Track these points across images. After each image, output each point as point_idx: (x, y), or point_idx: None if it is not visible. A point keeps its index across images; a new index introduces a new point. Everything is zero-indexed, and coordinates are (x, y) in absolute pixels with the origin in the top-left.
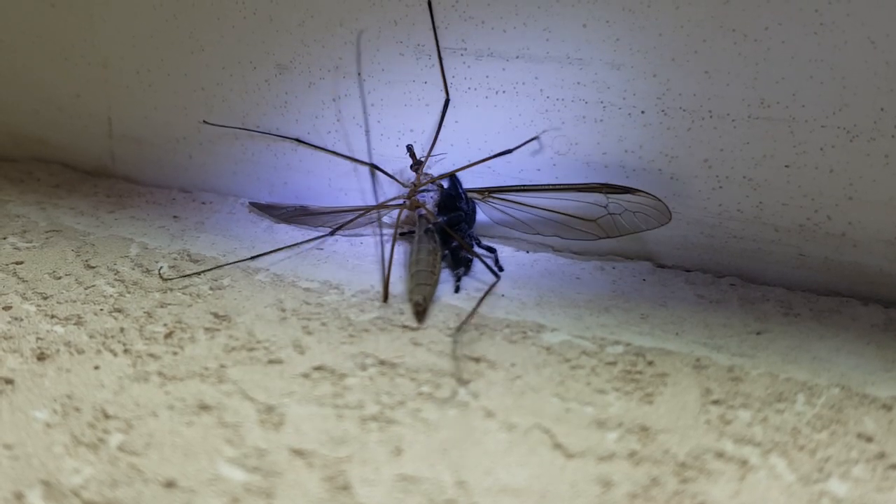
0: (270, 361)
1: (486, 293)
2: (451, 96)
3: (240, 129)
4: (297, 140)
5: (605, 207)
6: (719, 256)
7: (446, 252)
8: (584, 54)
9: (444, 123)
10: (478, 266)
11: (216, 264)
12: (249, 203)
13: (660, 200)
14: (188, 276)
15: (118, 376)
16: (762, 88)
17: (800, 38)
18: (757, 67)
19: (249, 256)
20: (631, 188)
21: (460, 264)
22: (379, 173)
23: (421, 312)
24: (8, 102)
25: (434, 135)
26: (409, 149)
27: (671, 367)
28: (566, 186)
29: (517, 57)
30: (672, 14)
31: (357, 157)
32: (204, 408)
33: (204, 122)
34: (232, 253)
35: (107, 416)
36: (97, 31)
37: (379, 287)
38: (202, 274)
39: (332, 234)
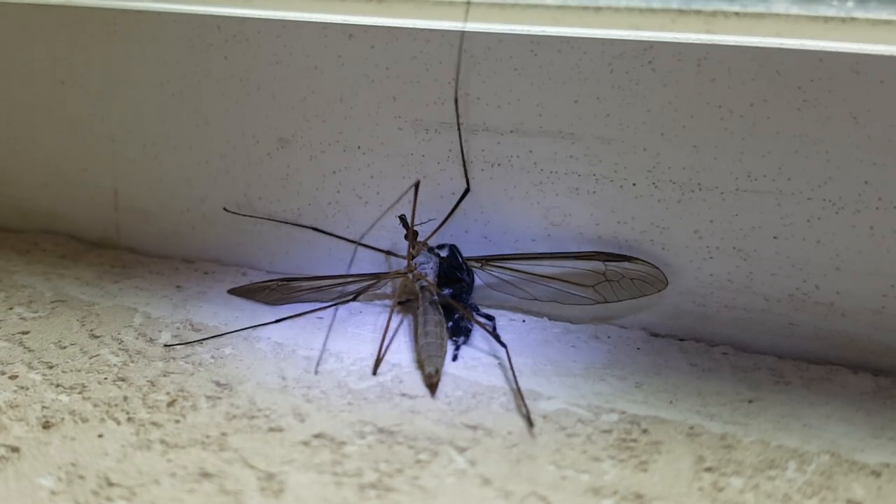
0: (271, 429)
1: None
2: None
3: (259, 218)
4: (315, 228)
5: (602, 274)
6: (711, 325)
7: (449, 323)
8: (577, 129)
9: (455, 212)
10: (475, 334)
11: (218, 332)
12: (228, 291)
13: (656, 268)
14: (190, 343)
15: (121, 444)
16: (749, 162)
17: (784, 114)
18: (743, 142)
19: (250, 325)
20: (628, 256)
21: (460, 333)
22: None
23: (435, 384)
24: (16, 175)
25: (444, 219)
26: (402, 219)
27: (665, 434)
28: (564, 255)
29: (511, 131)
30: (660, 91)
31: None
32: (205, 475)
33: (225, 209)
34: (234, 322)
35: (110, 484)
36: (105, 107)
37: (383, 356)
38: (203, 342)
39: (334, 305)
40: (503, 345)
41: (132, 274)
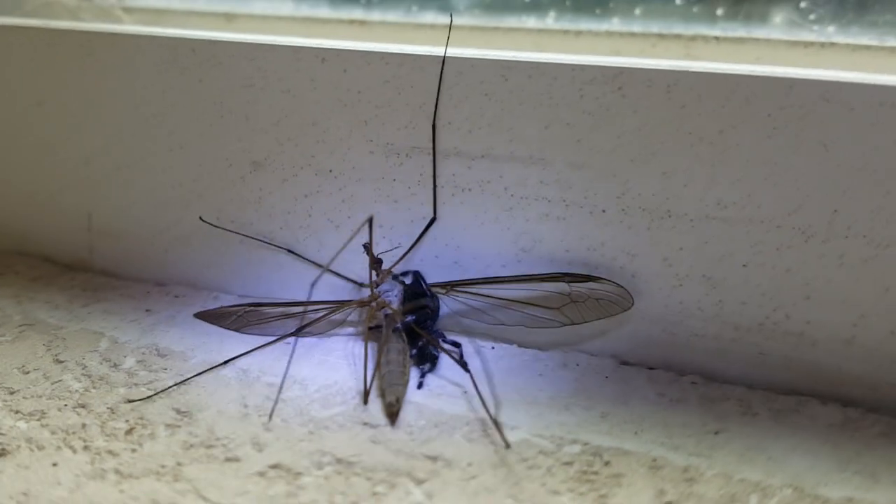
0: (227, 459)
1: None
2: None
3: (234, 232)
4: (289, 251)
5: (567, 296)
6: (681, 354)
7: (413, 350)
8: (547, 154)
9: (422, 239)
10: (441, 362)
11: (183, 359)
12: (194, 315)
13: (622, 287)
14: (148, 398)
15: (75, 474)
16: (719, 189)
17: (754, 141)
18: (713, 169)
19: (222, 362)
20: (592, 276)
21: (426, 360)
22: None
23: (395, 413)
24: None
25: (409, 248)
26: (367, 248)
27: (627, 467)
28: (528, 277)
29: (482, 156)
30: (630, 117)
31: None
32: None
33: (201, 218)
34: (201, 347)
35: None
36: (80, 129)
37: (346, 383)
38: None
39: (295, 334)
40: (467, 370)
41: (102, 297)
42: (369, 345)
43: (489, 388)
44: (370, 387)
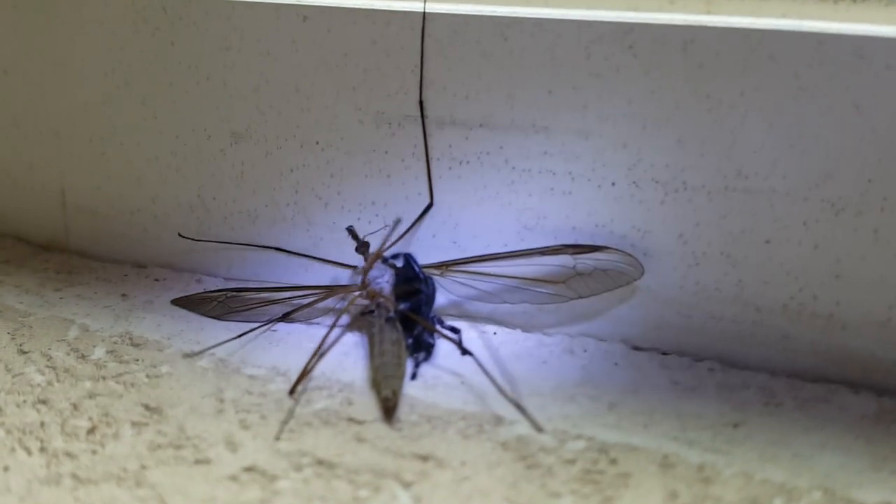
0: (197, 461)
1: None
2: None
3: (217, 242)
4: (277, 248)
5: (572, 268)
6: (698, 338)
7: (409, 339)
8: (551, 122)
9: (416, 225)
10: (438, 351)
11: (158, 349)
12: (171, 301)
13: (629, 255)
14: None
15: (27, 479)
16: (739, 158)
17: (778, 104)
18: (733, 135)
19: (199, 350)
20: (596, 245)
21: (421, 349)
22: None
23: (391, 408)
24: None
25: (403, 232)
26: (351, 231)
27: (635, 465)
28: (528, 252)
29: (481, 125)
30: (641, 79)
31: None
32: None
33: (179, 234)
34: (177, 336)
35: None
36: (48, 99)
37: (332, 375)
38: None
39: (283, 320)
40: (469, 353)
41: (77, 281)
42: (361, 336)
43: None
44: (306, 375)
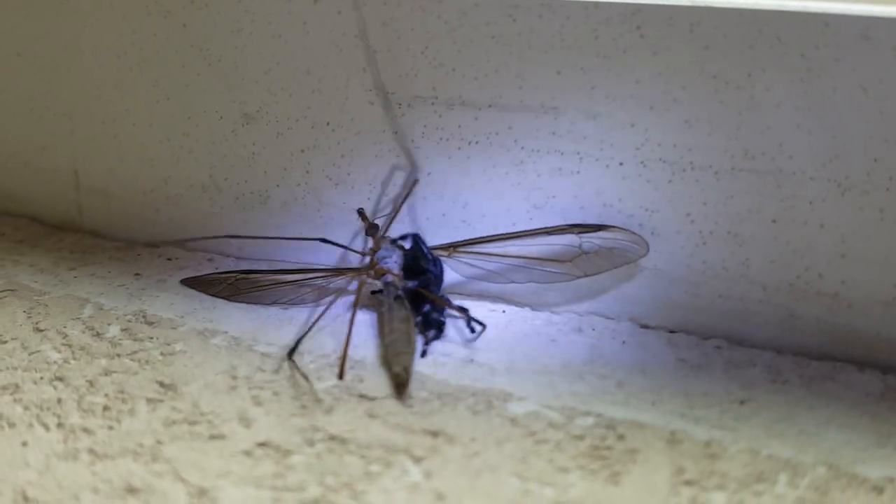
0: (212, 437)
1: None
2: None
3: (265, 238)
4: (323, 240)
5: (578, 247)
6: (705, 317)
7: (418, 318)
8: (559, 103)
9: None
10: (448, 329)
11: (171, 326)
12: (181, 281)
13: (634, 233)
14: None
15: (46, 454)
16: (746, 138)
17: (785, 85)
18: (740, 116)
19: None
20: (603, 225)
21: (431, 327)
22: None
23: (403, 384)
24: None
25: (397, 208)
26: (361, 213)
27: (643, 441)
28: (534, 231)
29: (490, 106)
30: (649, 60)
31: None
32: (131, 491)
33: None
34: (191, 314)
35: (26, 499)
36: (62, 81)
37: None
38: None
39: (289, 302)
40: (482, 324)
41: (90, 260)
42: (371, 314)
43: (497, 355)
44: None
